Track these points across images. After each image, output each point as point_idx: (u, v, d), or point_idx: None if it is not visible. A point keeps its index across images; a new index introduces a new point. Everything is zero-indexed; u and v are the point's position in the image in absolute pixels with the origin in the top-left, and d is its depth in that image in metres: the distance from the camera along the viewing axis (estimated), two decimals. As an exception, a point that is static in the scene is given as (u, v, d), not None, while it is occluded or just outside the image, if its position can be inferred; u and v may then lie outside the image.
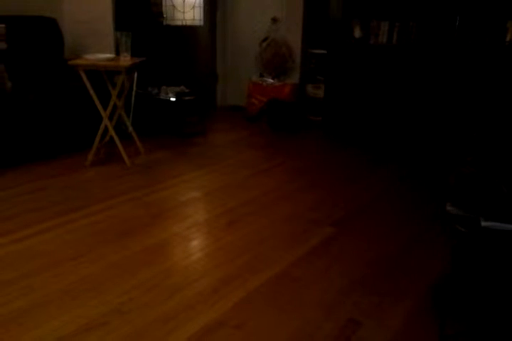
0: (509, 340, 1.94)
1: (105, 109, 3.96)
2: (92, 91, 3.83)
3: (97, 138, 3.99)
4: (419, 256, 2.74)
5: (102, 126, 3.98)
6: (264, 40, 5.69)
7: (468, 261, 1.98)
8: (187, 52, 5.74)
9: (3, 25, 4.11)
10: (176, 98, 4.91)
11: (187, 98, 4.98)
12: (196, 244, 2.81)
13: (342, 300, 2.29)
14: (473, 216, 1.65)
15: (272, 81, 5.69)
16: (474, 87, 3.56)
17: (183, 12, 5.59)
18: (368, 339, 2.02)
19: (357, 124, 5.11)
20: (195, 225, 3.01)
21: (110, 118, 4.05)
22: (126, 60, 3.91)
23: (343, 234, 2.95)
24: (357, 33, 5.03)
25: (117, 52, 4.22)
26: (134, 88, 4.70)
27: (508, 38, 3.00)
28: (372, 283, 2.45)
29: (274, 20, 5.64)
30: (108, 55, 4.06)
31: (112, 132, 4.00)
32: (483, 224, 1.62)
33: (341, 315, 2.18)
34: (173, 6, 5.48)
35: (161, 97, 4.94)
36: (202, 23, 5.83)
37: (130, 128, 4.33)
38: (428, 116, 4.48)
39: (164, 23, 5.42)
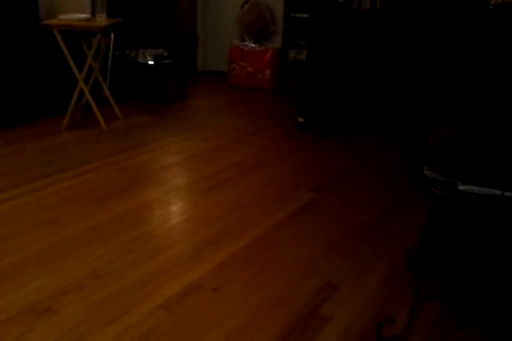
0: (481, 301, 1.98)
1: (81, 71, 3.85)
2: (66, 52, 3.70)
3: (73, 102, 3.89)
4: (398, 220, 2.77)
5: (78, 89, 3.87)
6: (246, 2, 5.54)
7: (444, 225, 2.00)
8: (166, 13, 5.56)
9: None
10: (154, 61, 4.78)
11: (166, 61, 4.86)
12: (175, 209, 2.79)
13: (319, 263, 2.31)
14: (450, 180, 1.66)
15: (253, 46, 5.58)
16: (455, 53, 3.54)
17: (162, -29, 5.39)
18: (343, 301, 2.05)
19: (337, 90, 5.05)
20: (174, 190, 2.99)
21: (86, 82, 3.95)
22: (101, 20, 3.79)
23: (322, 200, 2.96)
24: (340, -4, 4.91)
25: (93, 13, 4.08)
26: (111, 50, 4.56)
27: (492, 2, 2.96)
28: (350, 247, 2.47)
29: (256, -19, 5.48)
30: (83, 16, 3.91)
31: (87, 95, 3.90)
32: (461, 187, 1.62)
33: (318, 278, 2.20)
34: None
35: (139, 60, 4.80)
36: (182, -18, 5.64)
37: (107, 92, 4.22)
38: (409, 82, 4.45)
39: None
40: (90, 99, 3.90)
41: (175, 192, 2.96)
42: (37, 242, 2.34)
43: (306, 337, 1.83)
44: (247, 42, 5.62)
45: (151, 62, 4.79)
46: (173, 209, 2.78)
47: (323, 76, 5.00)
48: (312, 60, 5.13)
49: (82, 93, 3.93)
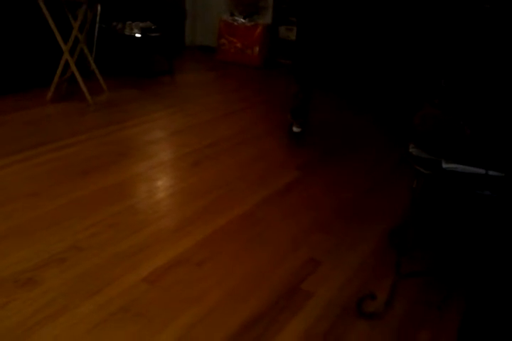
0: (462, 279, 2.01)
1: (66, 43, 3.76)
2: (51, 22, 3.62)
3: (58, 73, 3.82)
4: (383, 198, 2.78)
5: (63, 61, 3.79)
6: (236, -24, 5.44)
7: (428, 203, 2.01)
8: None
9: None
10: (141, 34, 4.69)
11: (153, 35, 4.77)
12: (160, 184, 2.77)
13: (303, 240, 2.32)
14: (435, 157, 1.66)
15: (243, 21, 5.49)
16: (445, 32, 3.52)
17: None
18: (326, 277, 2.06)
19: (327, 69, 5.02)
20: (159, 165, 2.96)
21: (72, 53, 3.86)
22: (88, -10, 3.69)
23: (308, 177, 2.96)
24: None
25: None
26: (97, 22, 4.46)
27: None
28: (335, 224, 2.48)
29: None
30: (69, -15, 3.80)
31: (73, 67, 3.83)
32: (445, 165, 1.63)
33: (301, 254, 2.21)
34: None
35: (126, 33, 4.70)
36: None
37: (92, 65, 4.14)
38: (399, 60, 4.42)
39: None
40: (75, 71, 3.82)
41: (160, 167, 2.93)
42: (19, 214, 2.32)
43: (289, 312, 1.85)
44: (236, 17, 5.53)
45: (138, 35, 4.70)
46: (158, 184, 2.76)
47: (313, 54, 4.95)
48: (302, 37, 5.06)
49: (67, 65, 3.85)
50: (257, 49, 5.48)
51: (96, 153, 3.03)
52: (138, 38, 4.69)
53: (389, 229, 2.43)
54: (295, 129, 3.40)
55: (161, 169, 2.91)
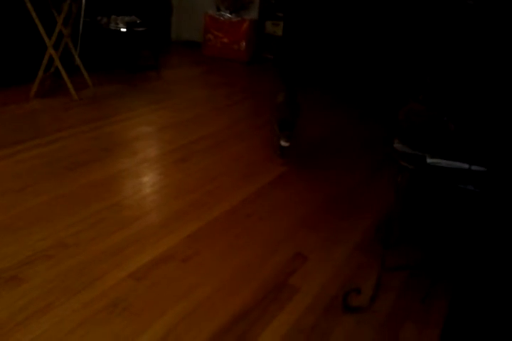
0: (446, 273, 2.04)
1: (50, 37, 3.72)
2: (35, 15, 3.57)
3: (42, 68, 3.77)
4: (369, 194, 2.80)
5: (47, 56, 3.75)
6: (222, -30, 5.41)
7: (412, 198, 2.03)
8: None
9: None
10: (126, 29, 4.65)
11: (139, 29, 4.73)
12: (146, 180, 2.76)
13: (290, 235, 2.33)
14: (419, 153, 1.67)
15: (229, 16, 5.47)
16: (429, 28, 3.54)
17: None
18: (313, 271, 2.08)
19: (313, 64, 5.03)
20: (145, 161, 2.95)
21: (56, 48, 3.82)
22: (72, -16, 3.64)
23: (294, 173, 2.97)
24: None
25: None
26: (82, 16, 4.41)
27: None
28: (321, 219, 2.50)
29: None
30: (52, -22, 3.76)
31: (57, 62, 3.78)
32: (429, 161, 1.64)
33: (288, 250, 2.22)
34: None
35: (111, 27, 4.66)
36: None
37: (77, 60, 4.10)
38: (384, 56, 4.45)
39: None
40: (60, 66, 3.78)
41: (146, 163, 2.92)
42: (3, 210, 2.29)
43: (276, 306, 1.86)
44: (222, 12, 5.50)
45: (123, 30, 4.66)
46: (144, 180, 2.75)
47: (299, 49, 4.95)
48: (289, 32, 5.06)
49: (51, 60, 3.81)
50: (243, 44, 5.47)
51: (81, 148, 3.01)
52: (123, 32, 4.65)
53: (375, 224, 2.45)
54: (283, 143, 3.01)
55: (146, 165, 2.90)
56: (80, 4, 4.28)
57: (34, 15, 3.57)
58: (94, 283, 1.88)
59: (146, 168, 2.88)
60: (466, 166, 1.60)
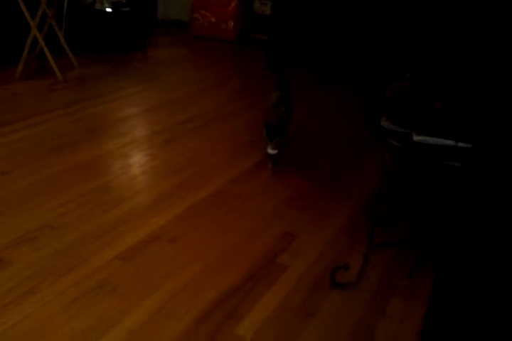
0: (433, 249, 2.05)
1: (34, 18, 3.64)
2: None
3: (26, 50, 3.70)
4: (358, 172, 2.80)
5: (31, 36, 3.67)
6: None
7: (399, 175, 2.03)
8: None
9: None
10: (112, 9, 4.56)
11: (125, 9, 4.64)
12: (133, 161, 2.74)
13: (278, 215, 2.33)
14: (406, 130, 1.66)
15: (216, -6, 5.37)
16: (415, 6, 3.51)
17: None
18: (301, 250, 2.08)
19: (302, 44, 4.97)
20: (132, 142, 2.92)
21: (40, 29, 3.74)
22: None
23: (284, 153, 2.95)
24: None
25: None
26: (66, -4, 4.32)
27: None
28: (309, 199, 2.50)
29: None
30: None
31: (41, 43, 3.71)
32: (415, 138, 1.64)
33: (277, 229, 2.23)
34: None
35: (96, 7, 4.57)
36: None
37: (62, 40, 4.02)
38: (372, 35, 4.40)
39: None
40: (44, 48, 3.71)
41: (133, 144, 2.89)
42: (-12, 194, 2.28)
43: (264, 284, 1.86)
44: (210, -9, 5.40)
45: (109, 10, 4.56)
46: (132, 162, 2.73)
47: (288, 28, 4.88)
48: (277, 11, 4.99)
49: (35, 41, 3.73)
50: (231, 23, 5.39)
51: (67, 130, 2.97)
52: (109, 12, 4.56)
53: (363, 203, 2.46)
54: (270, 151, 2.70)
55: (134, 146, 2.88)
56: (63, -17, 4.19)
57: (17, -5, 3.49)
58: (81, 264, 1.88)
59: (133, 149, 2.85)
60: (453, 143, 1.59)
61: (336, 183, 2.68)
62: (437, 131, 1.63)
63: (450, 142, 1.60)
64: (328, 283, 1.89)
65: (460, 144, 1.59)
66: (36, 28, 3.66)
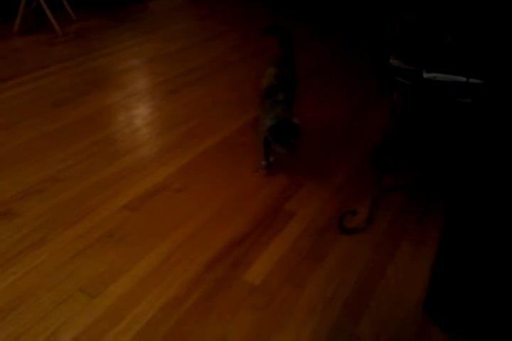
0: (442, 192, 2.02)
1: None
2: None
3: (22, 4, 3.59)
4: (365, 121, 2.73)
5: (25, -11, 3.56)
6: None
7: (408, 117, 1.97)
8: None
9: None
10: (108, -42, 4.39)
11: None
12: (136, 113, 2.69)
13: (284, 164, 2.29)
14: (415, 68, 1.59)
15: None
16: None
17: None
18: (308, 197, 2.06)
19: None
20: (134, 94, 2.86)
21: (34, -20, 3.62)
22: None
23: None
24: None
25: None
26: None
27: None
28: (316, 148, 2.45)
29: None
30: None
31: (36, -5, 3.60)
32: (425, 75, 1.57)
33: (283, 178, 2.19)
34: None
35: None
36: None
37: (58, -8, 3.90)
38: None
39: None
40: (42, 1, 3.60)
41: (136, 96, 2.84)
42: (-8, 149, 2.26)
43: (271, 231, 1.85)
44: None
45: (104, -41, 4.39)
46: (135, 113, 2.68)
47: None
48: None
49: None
50: (232, -29, 5.17)
51: (68, 84, 2.92)
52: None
53: (371, 150, 2.40)
54: (263, 163, 2.21)
55: (136, 98, 2.82)
56: None
57: None
58: (88, 215, 1.87)
59: (136, 100, 2.80)
60: (464, 79, 1.52)
61: (341, 132, 2.62)
62: (448, 67, 1.55)
63: (461, 78, 1.53)
64: (336, 229, 1.87)
65: (471, 80, 1.52)
66: (31, -20, 3.54)
